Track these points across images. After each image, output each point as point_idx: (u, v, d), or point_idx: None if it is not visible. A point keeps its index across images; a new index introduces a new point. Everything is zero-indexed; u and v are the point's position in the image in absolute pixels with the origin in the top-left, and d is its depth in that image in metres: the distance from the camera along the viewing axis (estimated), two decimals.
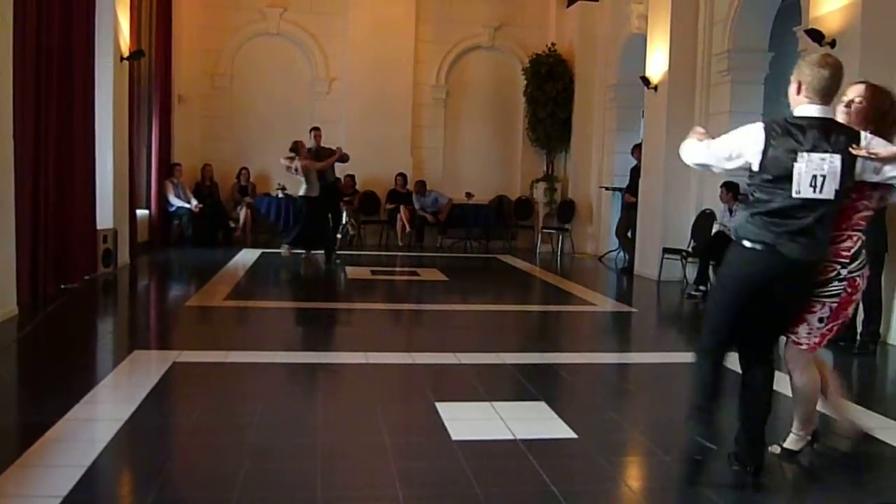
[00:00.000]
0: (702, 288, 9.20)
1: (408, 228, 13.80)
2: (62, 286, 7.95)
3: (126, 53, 9.84)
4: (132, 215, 10.46)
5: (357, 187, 14.02)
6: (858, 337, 6.55)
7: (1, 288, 6.41)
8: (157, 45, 11.98)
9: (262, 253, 12.02)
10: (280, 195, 13.34)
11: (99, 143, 9.04)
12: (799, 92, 3.45)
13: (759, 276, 3.44)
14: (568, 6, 14.52)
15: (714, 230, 9.65)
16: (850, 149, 3.31)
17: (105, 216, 9.29)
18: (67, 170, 8.13)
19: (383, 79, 14.18)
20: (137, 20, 10.75)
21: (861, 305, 6.50)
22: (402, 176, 14.14)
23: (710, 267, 9.40)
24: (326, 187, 11.38)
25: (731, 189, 9.45)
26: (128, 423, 4.04)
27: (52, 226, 7.72)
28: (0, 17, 6.28)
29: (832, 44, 7.19)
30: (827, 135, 3.34)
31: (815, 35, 7.29)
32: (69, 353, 5.72)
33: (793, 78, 3.49)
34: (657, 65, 10.85)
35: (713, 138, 3.60)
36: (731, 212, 9.46)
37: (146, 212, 11.99)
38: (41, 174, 7.44)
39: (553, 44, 14.31)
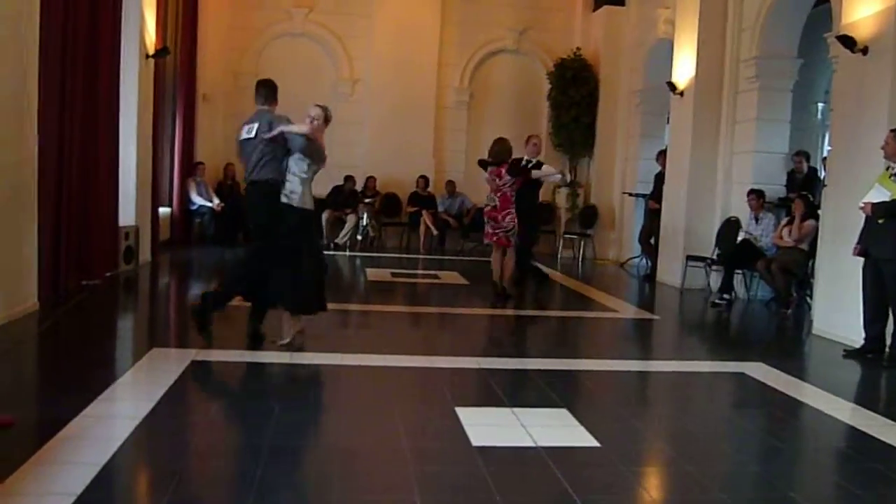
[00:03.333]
0: (726, 296, 9.08)
1: (434, 232, 13.70)
2: (83, 282, 7.95)
3: (152, 51, 9.86)
4: (154, 213, 10.48)
5: (378, 189, 13.98)
6: (888, 349, 6.42)
7: (22, 283, 6.41)
8: (182, 44, 12.02)
9: None
10: None
11: (123, 141, 9.06)
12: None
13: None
14: (594, 10, 14.41)
15: (739, 238, 9.50)
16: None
17: (127, 213, 9.30)
18: (91, 166, 8.14)
19: (407, 81, 14.14)
20: (164, 18, 10.77)
21: (892, 317, 6.40)
22: (424, 178, 14.07)
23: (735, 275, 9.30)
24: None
25: (760, 196, 9.33)
26: (145, 422, 4.01)
27: (74, 222, 7.73)
28: (27, 14, 6.29)
29: (864, 51, 7.05)
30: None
31: (847, 41, 7.15)
32: (88, 350, 5.70)
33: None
34: (684, 70, 10.74)
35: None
36: (756, 220, 9.33)
37: (168, 209, 12.01)
38: (65, 170, 7.45)
39: (578, 48, 14.21)
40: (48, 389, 4.75)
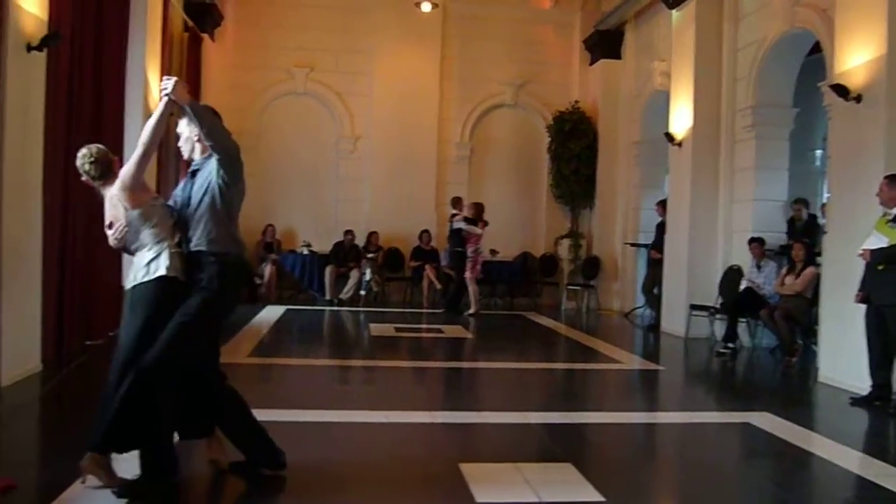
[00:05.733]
0: (730, 345, 9.03)
1: (438, 286, 13.71)
2: (86, 342, 7.95)
3: None
4: None
5: (381, 244, 14.04)
6: (893, 396, 6.37)
7: (25, 343, 6.41)
8: None
9: (287, 309, 12.01)
10: (305, 252, 13.38)
11: None
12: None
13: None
14: (591, 64, 14.63)
15: (742, 286, 9.49)
16: None
17: None
18: (95, 225, 8.17)
19: (408, 136, 14.30)
20: None
21: None
22: (427, 233, 14.13)
23: (739, 323, 9.27)
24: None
25: (761, 244, 9.35)
26: None
27: (77, 282, 7.75)
28: (32, 75, 6.41)
29: (858, 98, 7.13)
30: None
31: (841, 90, 7.24)
32: (90, 411, 5.65)
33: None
34: (681, 121, 10.85)
35: None
36: (758, 267, 9.34)
37: None
38: (69, 230, 7.50)
39: (576, 101, 14.39)
40: (49, 452, 4.73)
